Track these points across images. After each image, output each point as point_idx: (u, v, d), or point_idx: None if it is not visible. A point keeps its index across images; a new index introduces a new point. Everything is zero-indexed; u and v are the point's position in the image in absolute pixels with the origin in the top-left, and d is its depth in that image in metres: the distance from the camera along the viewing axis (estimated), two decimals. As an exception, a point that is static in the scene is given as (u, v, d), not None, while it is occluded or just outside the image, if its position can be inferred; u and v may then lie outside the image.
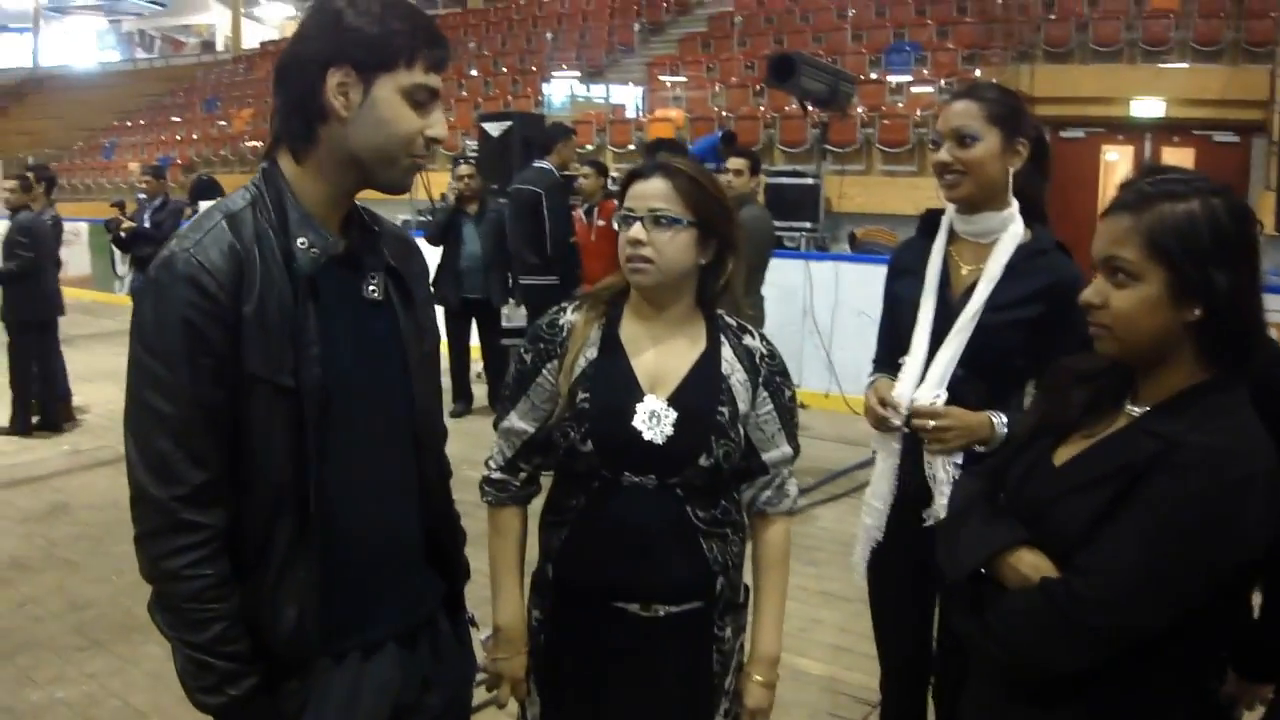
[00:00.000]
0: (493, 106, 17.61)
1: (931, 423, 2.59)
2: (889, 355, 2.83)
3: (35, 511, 6.36)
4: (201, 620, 1.69)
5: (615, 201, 2.17)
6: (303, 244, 1.73)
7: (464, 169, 8.66)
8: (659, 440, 2.11)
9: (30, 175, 8.37)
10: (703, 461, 2.11)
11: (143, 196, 9.79)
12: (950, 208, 2.73)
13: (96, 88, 33.16)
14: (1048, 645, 1.66)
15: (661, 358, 2.18)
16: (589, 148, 15.30)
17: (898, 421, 2.65)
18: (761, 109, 15.22)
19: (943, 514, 2.66)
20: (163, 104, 28.58)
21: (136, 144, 25.24)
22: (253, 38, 33.96)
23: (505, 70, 20.95)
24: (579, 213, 8.10)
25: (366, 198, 1.86)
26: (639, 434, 2.11)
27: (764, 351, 2.25)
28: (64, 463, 7.46)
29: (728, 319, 2.26)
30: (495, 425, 2.35)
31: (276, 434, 1.71)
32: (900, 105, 14.46)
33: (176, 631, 1.71)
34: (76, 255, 14.92)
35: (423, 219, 9.14)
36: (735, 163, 6.87)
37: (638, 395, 2.14)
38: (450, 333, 8.55)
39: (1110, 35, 14.87)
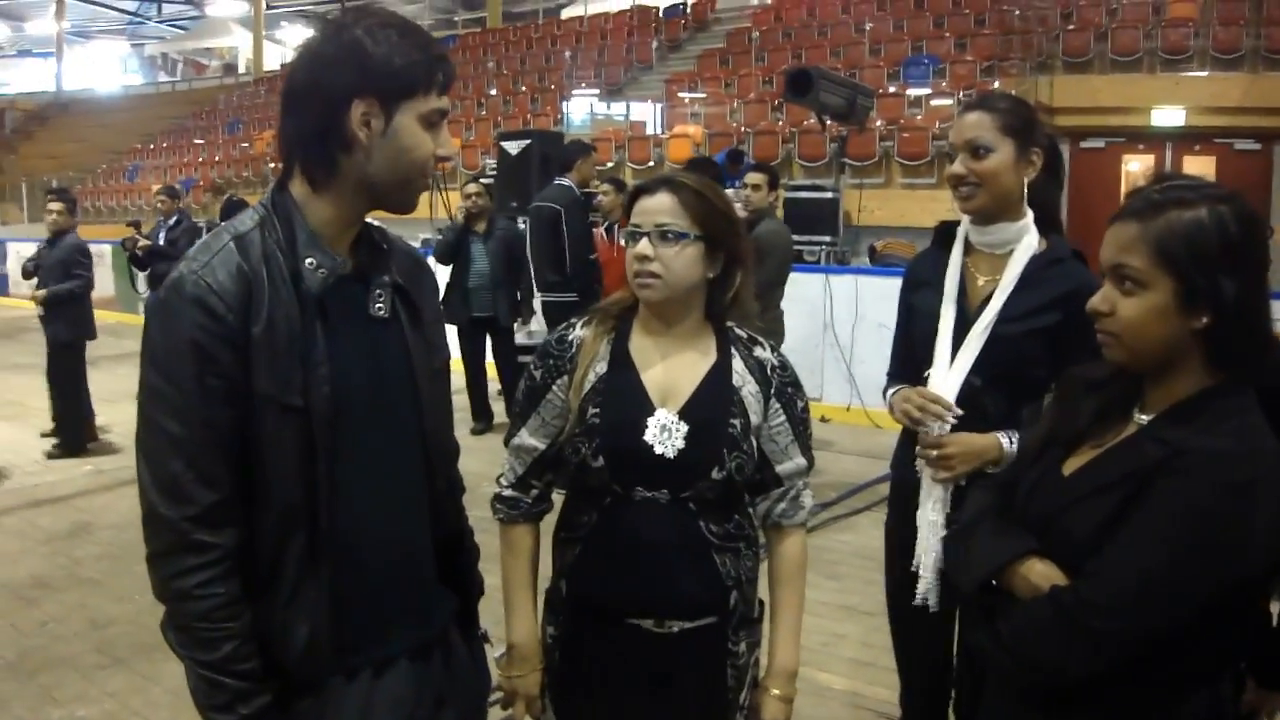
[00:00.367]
0: (512, 125, 17.70)
1: (934, 452, 2.58)
2: (904, 368, 2.82)
3: (58, 531, 6.39)
4: (213, 639, 1.69)
5: (631, 218, 2.17)
6: (310, 264, 1.74)
7: (472, 188, 8.65)
8: (670, 454, 2.10)
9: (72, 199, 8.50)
10: (715, 474, 2.10)
11: (161, 218, 9.91)
12: (965, 219, 2.72)
13: (120, 111, 33.48)
14: (1059, 652, 1.65)
15: (671, 371, 2.17)
16: (609, 165, 15.35)
17: (950, 419, 2.62)
18: (780, 124, 15.22)
19: (925, 567, 2.67)
20: (185, 126, 28.81)
21: (160, 166, 25.46)
22: (274, 60, 34.22)
23: (524, 89, 21.04)
24: (599, 230, 8.11)
25: (389, 218, 1.87)
26: (650, 448, 2.10)
27: (775, 363, 2.23)
28: (86, 483, 7.49)
29: (738, 331, 2.25)
30: (506, 443, 2.34)
31: (287, 453, 1.72)
32: (919, 118, 14.44)
33: (188, 650, 1.71)
34: (100, 277, 14.90)
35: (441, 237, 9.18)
36: (753, 177, 6.86)
37: (648, 409, 2.13)
38: (465, 351, 8.57)
39: (1129, 45, 14.82)
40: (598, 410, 2.14)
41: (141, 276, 9.67)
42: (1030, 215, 2.65)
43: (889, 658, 3.11)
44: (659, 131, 17.37)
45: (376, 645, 1.86)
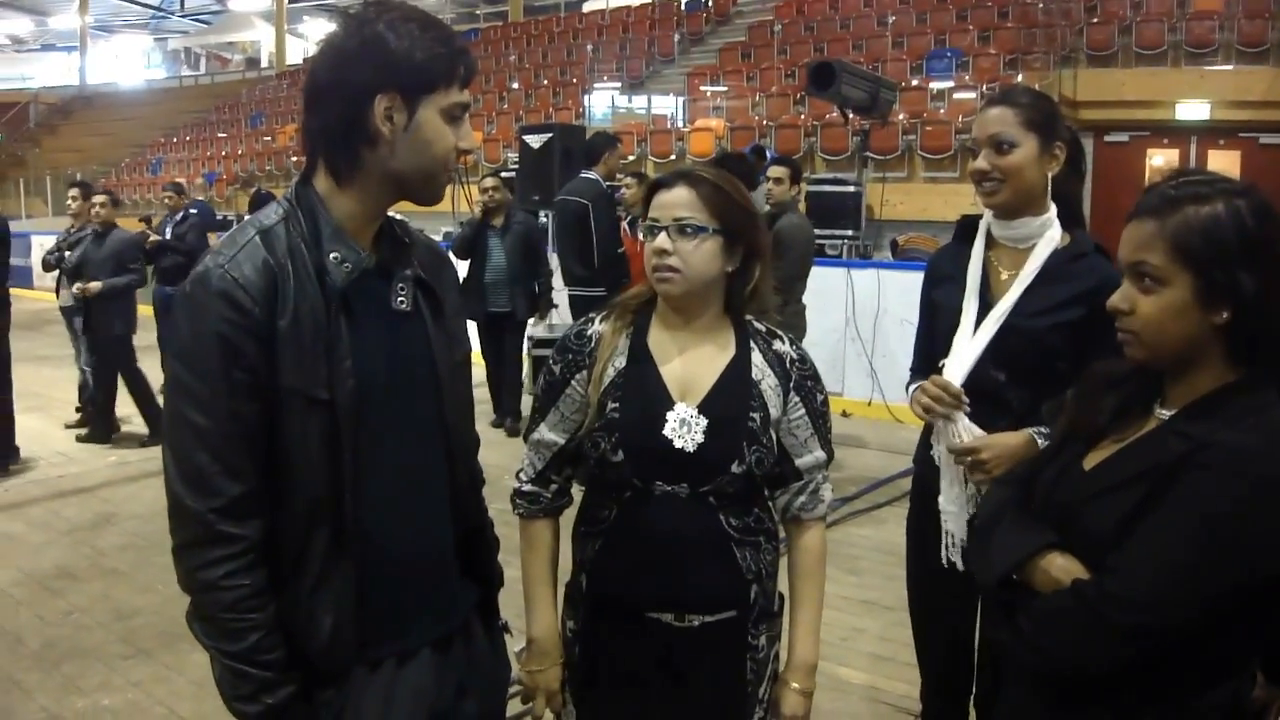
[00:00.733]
0: (534, 119, 17.67)
1: (970, 457, 2.57)
2: (927, 364, 2.81)
3: (82, 521, 6.43)
4: (238, 630, 1.70)
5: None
6: (335, 258, 1.75)
7: (489, 181, 8.58)
8: (690, 448, 2.10)
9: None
10: (735, 468, 2.10)
11: (169, 213, 10.01)
12: (988, 213, 2.71)
13: (143, 105, 33.65)
14: (1081, 646, 1.65)
15: (690, 365, 2.17)
16: (630, 158, 15.32)
17: (964, 408, 2.62)
18: (802, 117, 15.17)
19: (955, 554, 2.67)
20: (208, 120, 28.92)
21: (183, 160, 25.57)
22: (296, 54, 34.29)
23: (546, 82, 21.04)
24: (624, 223, 8.09)
25: (413, 211, 1.88)
26: (670, 442, 2.10)
27: (794, 356, 2.23)
28: (111, 473, 7.54)
29: (757, 324, 2.24)
30: (524, 438, 2.35)
31: (311, 445, 1.73)
32: (942, 111, 14.37)
33: (214, 641, 1.73)
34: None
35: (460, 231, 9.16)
36: (775, 171, 6.86)
37: (668, 403, 2.13)
38: (484, 345, 8.57)
39: (1154, 38, 14.71)
40: (617, 404, 2.14)
41: (150, 270, 9.75)
42: (1053, 209, 2.64)
43: (909, 652, 3.11)
44: (681, 125, 17.32)
45: (399, 636, 1.87)
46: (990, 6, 17.51)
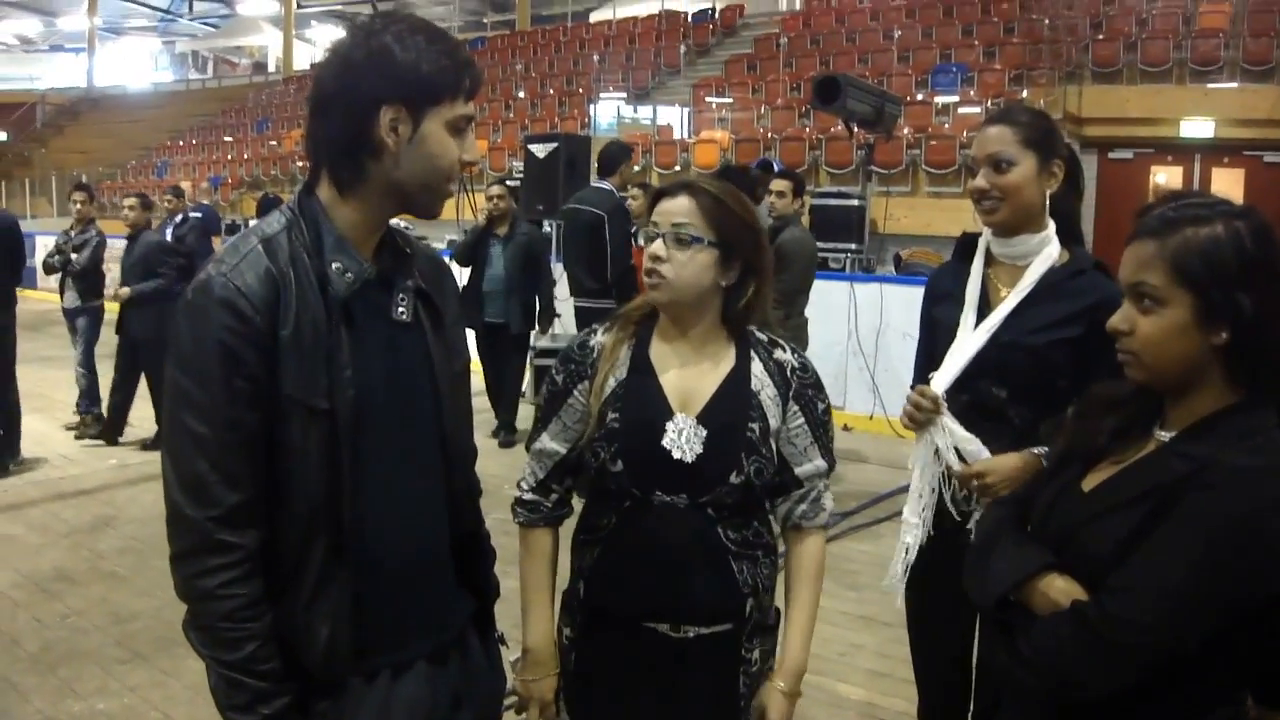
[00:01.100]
0: (540, 128, 17.74)
1: (976, 481, 2.57)
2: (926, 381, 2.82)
3: (82, 524, 6.43)
4: (235, 639, 1.70)
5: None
6: (337, 268, 1.76)
7: (495, 189, 8.46)
8: (689, 459, 2.11)
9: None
10: (734, 479, 2.11)
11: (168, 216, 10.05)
12: (987, 231, 2.72)
13: (150, 107, 33.73)
14: (1081, 667, 1.64)
15: (690, 376, 2.18)
16: (636, 169, 15.35)
17: (943, 409, 2.64)
18: (807, 130, 15.21)
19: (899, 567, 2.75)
20: (215, 124, 28.99)
21: (189, 163, 25.62)
22: (304, 59, 34.38)
23: (552, 92, 21.09)
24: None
25: (417, 219, 1.88)
26: (668, 453, 2.11)
27: (795, 364, 2.23)
28: (111, 476, 7.55)
29: (759, 334, 2.25)
30: (526, 447, 2.36)
31: (311, 455, 1.73)
32: (947, 126, 14.41)
33: (210, 650, 1.73)
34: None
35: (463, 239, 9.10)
36: (778, 184, 6.87)
37: (667, 414, 2.14)
38: (481, 355, 8.47)
39: (1159, 55, 14.73)
40: (617, 415, 2.16)
41: None
42: (1052, 227, 2.66)
43: (907, 669, 3.10)
44: (686, 136, 17.37)
45: (395, 647, 1.87)
46: (996, 22, 17.58)
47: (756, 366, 2.20)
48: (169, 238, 9.59)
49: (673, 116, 18.56)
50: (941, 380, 2.66)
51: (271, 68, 36.92)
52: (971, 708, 2.89)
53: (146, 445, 8.18)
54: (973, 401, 2.65)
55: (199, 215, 11.89)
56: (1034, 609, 1.73)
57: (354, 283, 1.76)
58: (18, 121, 33.90)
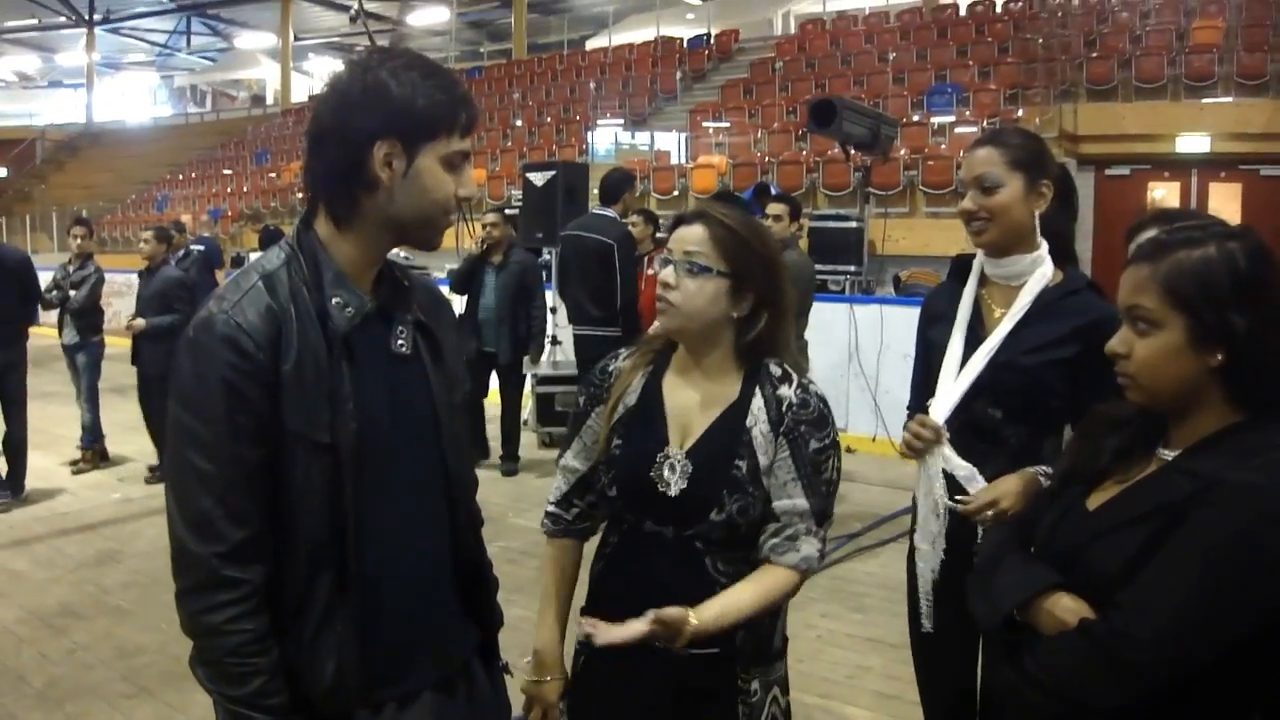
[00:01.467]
0: (538, 156, 17.79)
1: (990, 512, 2.53)
2: (923, 403, 2.83)
3: (86, 559, 6.42)
4: (242, 674, 1.70)
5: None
6: (337, 303, 1.77)
7: (490, 217, 8.38)
8: (672, 492, 2.11)
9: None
10: (714, 515, 2.09)
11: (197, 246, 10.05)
12: (980, 252, 2.74)
13: (149, 141, 33.87)
14: (1090, 686, 1.64)
15: (693, 408, 2.18)
16: (636, 195, 15.37)
17: (945, 440, 2.63)
18: (804, 153, 15.23)
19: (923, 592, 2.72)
20: (214, 157, 29.09)
21: (188, 196, 25.69)
22: (301, 91, 34.56)
23: (550, 120, 21.17)
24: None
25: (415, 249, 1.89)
26: (655, 484, 2.12)
27: (794, 400, 2.15)
28: (115, 510, 7.53)
29: (774, 367, 2.19)
30: (556, 460, 2.41)
31: (314, 489, 1.74)
32: (943, 147, 14.43)
33: (217, 685, 1.73)
34: (129, 307, 15.14)
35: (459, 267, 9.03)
36: (775, 208, 6.89)
37: (661, 445, 2.15)
38: (473, 382, 8.32)
39: (1153, 72, 14.78)
40: (620, 441, 2.19)
41: None
42: (1044, 246, 2.68)
43: (914, 690, 3.09)
44: (683, 161, 17.40)
45: (401, 679, 1.87)
46: (990, 42, 17.65)
47: (756, 402, 2.15)
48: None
49: (670, 142, 18.61)
50: (941, 408, 2.66)
51: (269, 100, 37.09)
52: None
53: (149, 479, 8.19)
54: (968, 422, 2.66)
55: (200, 248, 11.92)
56: (1041, 628, 1.73)
57: (354, 317, 1.78)
58: (18, 158, 34.03)
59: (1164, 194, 14.66)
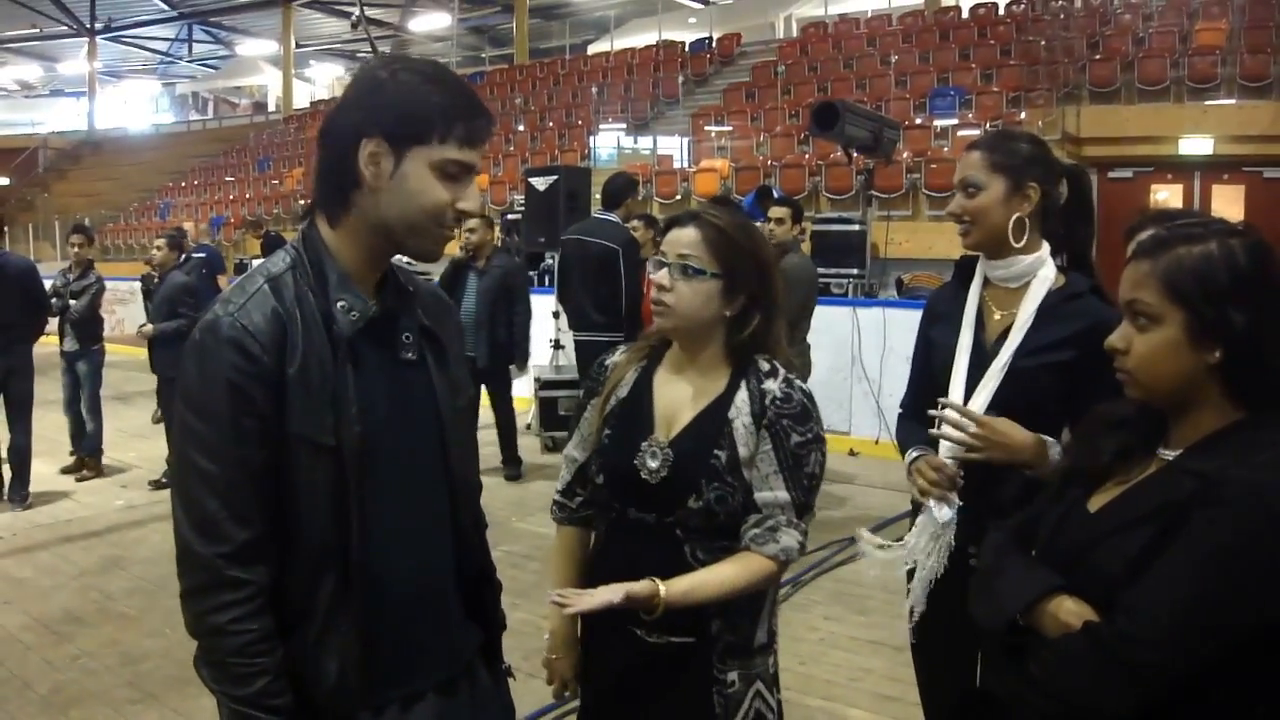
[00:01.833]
0: (540, 161, 17.80)
1: (973, 428, 2.53)
2: (918, 400, 2.84)
3: (90, 565, 6.43)
4: (246, 675, 1.71)
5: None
6: (342, 306, 1.78)
7: (471, 221, 8.13)
8: (653, 480, 2.19)
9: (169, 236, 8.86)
10: (692, 503, 2.16)
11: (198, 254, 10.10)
12: (982, 254, 2.75)
13: (151, 149, 33.91)
14: (1095, 688, 1.63)
15: (681, 401, 2.26)
16: (639, 199, 15.37)
17: (957, 489, 2.62)
18: (807, 156, 15.23)
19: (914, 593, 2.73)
20: (216, 164, 29.10)
21: (191, 204, 25.71)
22: (303, 98, 34.63)
23: (552, 125, 21.17)
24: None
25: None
26: (637, 472, 2.21)
27: (777, 395, 2.19)
28: (118, 517, 7.54)
29: (762, 363, 2.25)
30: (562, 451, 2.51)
31: (319, 492, 1.75)
32: (946, 150, 14.41)
33: (221, 686, 1.74)
34: (133, 314, 15.18)
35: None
36: (776, 211, 6.90)
37: (646, 434, 2.23)
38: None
39: (1156, 74, 14.79)
40: (610, 432, 2.30)
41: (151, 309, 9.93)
42: (1046, 249, 2.68)
43: (916, 692, 3.09)
44: (686, 165, 17.41)
45: (404, 680, 1.88)
46: (993, 45, 17.64)
47: (740, 395, 2.21)
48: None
49: (672, 146, 18.63)
50: (951, 432, 2.61)
51: (271, 107, 37.14)
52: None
53: (159, 485, 8.21)
54: None
55: (202, 255, 11.95)
56: (1044, 631, 1.72)
57: (359, 320, 1.79)
58: (20, 166, 34.06)
59: (1167, 196, 14.65)
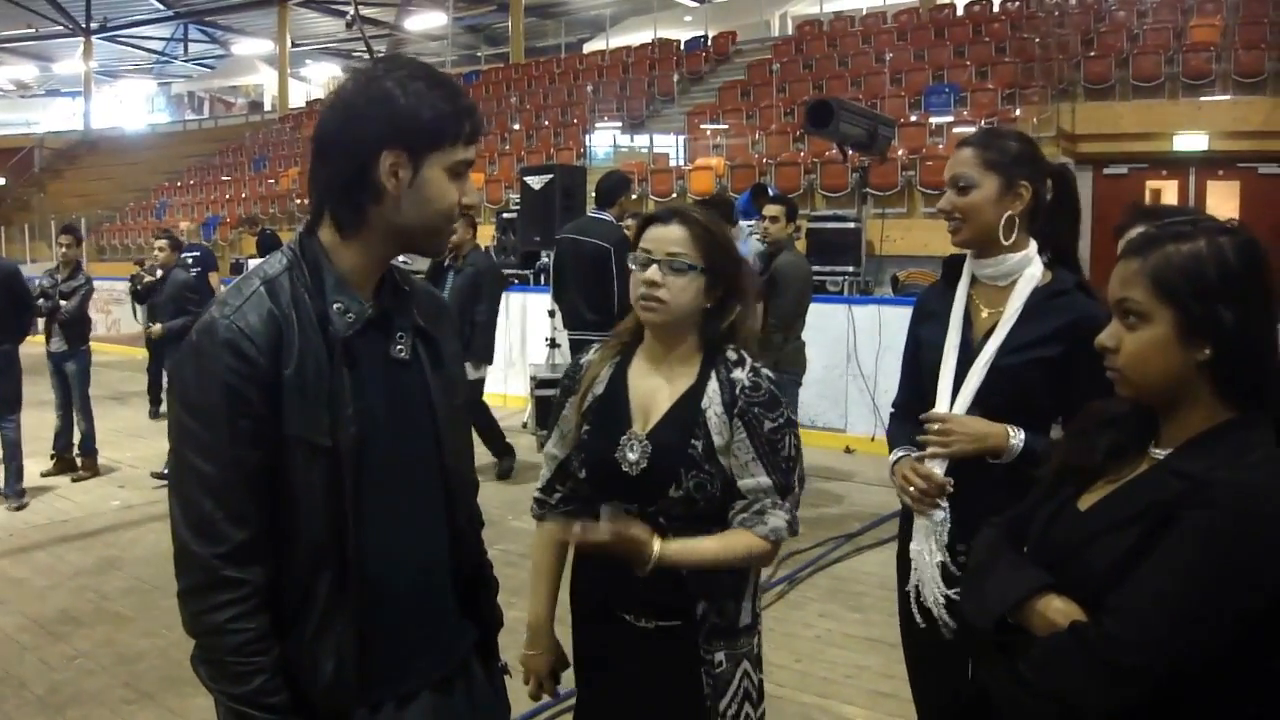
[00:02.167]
0: (536, 160, 17.80)
1: (936, 425, 2.62)
2: (909, 398, 2.89)
3: (86, 565, 6.43)
4: (243, 673, 1.72)
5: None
6: (338, 308, 1.79)
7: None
8: (634, 471, 2.26)
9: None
10: (673, 492, 2.22)
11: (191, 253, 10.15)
12: (970, 252, 2.75)
13: (147, 149, 33.86)
14: (1082, 689, 1.63)
15: (656, 393, 2.32)
16: (632, 197, 15.38)
17: (944, 502, 2.64)
18: (802, 154, 15.21)
19: (928, 597, 2.69)
20: (212, 164, 29.07)
21: (187, 203, 25.70)
22: (299, 97, 34.59)
23: (547, 123, 21.16)
24: (624, 263, 7.95)
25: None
26: (618, 464, 2.28)
27: (746, 383, 2.28)
28: (114, 517, 7.54)
29: (730, 353, 2.33)
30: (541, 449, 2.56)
31: (315, 492, 1.75)
32: (941, 147, 14.37)
33: (218, 684, 1.75)
34: (128, 314, 15.17)
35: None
36: (772, 209, 6.91)
37: (625, 428, 2.29)
38: None
39: (1151, 70, 14.78)
40: (589, 427, 2.36)
41: (141, 309, 10.01)
42: (1033, 246, 2.69)
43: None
44: (681, 163, 17.40)
45: (400, 678, 1.89)
46: (988, 42, 17.64)
47: (711, 385, 2.30)
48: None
49: (668, 144, 18.64)
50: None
51: (267, 106, 37.16)
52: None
53: (161, 476, 8.21)
54: None
55: (196, 254, 12.01)
56: (1033, 630, 1.72)
57: (355, 322, 1.79)
58: (16, 166, 34.01)
59: (1162, 192, 14.64)
